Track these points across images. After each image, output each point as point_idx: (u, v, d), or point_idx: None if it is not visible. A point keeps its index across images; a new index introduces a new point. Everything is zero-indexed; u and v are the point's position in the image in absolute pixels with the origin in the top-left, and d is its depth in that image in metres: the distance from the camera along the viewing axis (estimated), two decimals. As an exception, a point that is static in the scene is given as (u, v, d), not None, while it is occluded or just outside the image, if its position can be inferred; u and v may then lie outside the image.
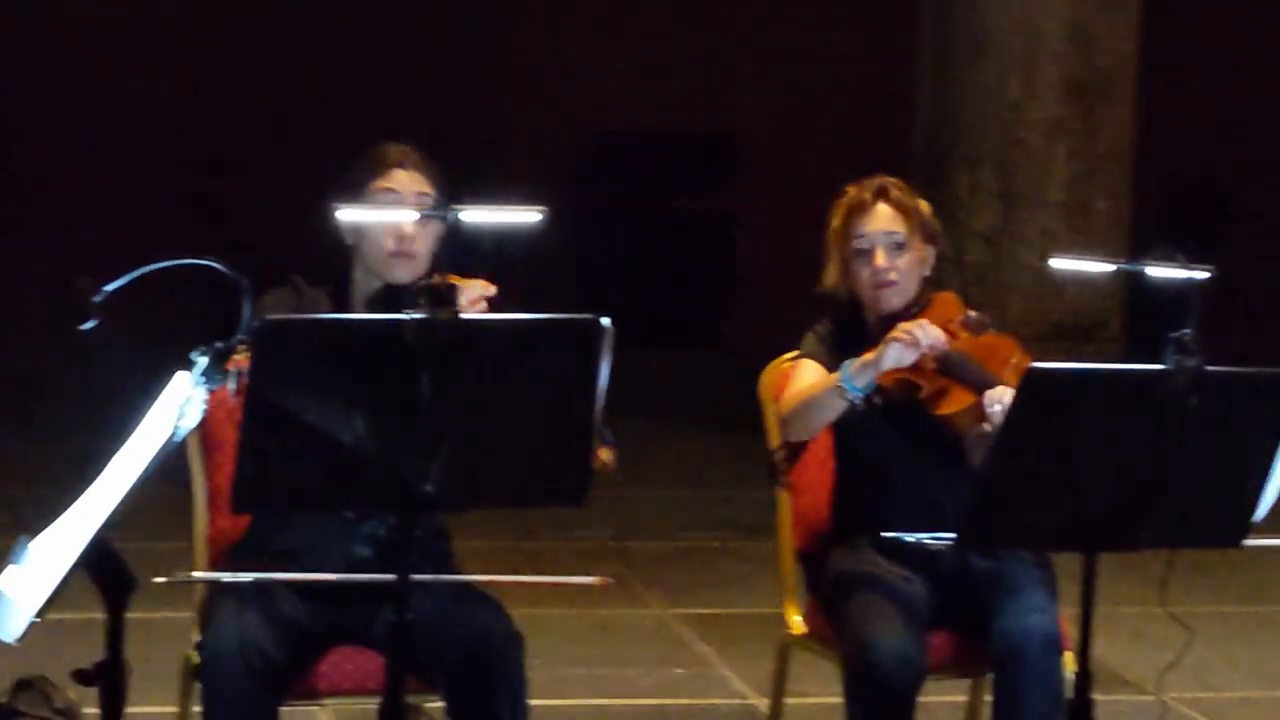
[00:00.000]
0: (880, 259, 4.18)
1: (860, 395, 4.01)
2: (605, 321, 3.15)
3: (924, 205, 4.32)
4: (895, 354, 3.98)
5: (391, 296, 3.87)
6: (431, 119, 12.39)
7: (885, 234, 4.20)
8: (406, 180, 3.94)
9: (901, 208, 4.24)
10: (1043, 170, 9.30)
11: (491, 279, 3.73)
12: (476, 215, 3.26)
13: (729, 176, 13.30)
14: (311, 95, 12.67)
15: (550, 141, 12.92)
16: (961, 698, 4.55)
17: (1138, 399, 3.43)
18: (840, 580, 4.17)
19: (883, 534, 4.11)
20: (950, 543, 3.89)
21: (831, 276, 4.30)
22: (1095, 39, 9.32)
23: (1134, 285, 8.78)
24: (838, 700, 4.06)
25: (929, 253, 4.29)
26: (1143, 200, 9.76)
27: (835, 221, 4.28)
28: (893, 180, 4.31)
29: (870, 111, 12.17)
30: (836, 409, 4.07)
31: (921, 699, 4.00)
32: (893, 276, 4.19)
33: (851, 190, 4.30)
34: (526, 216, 3.37)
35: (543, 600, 6.19)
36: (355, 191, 3.92)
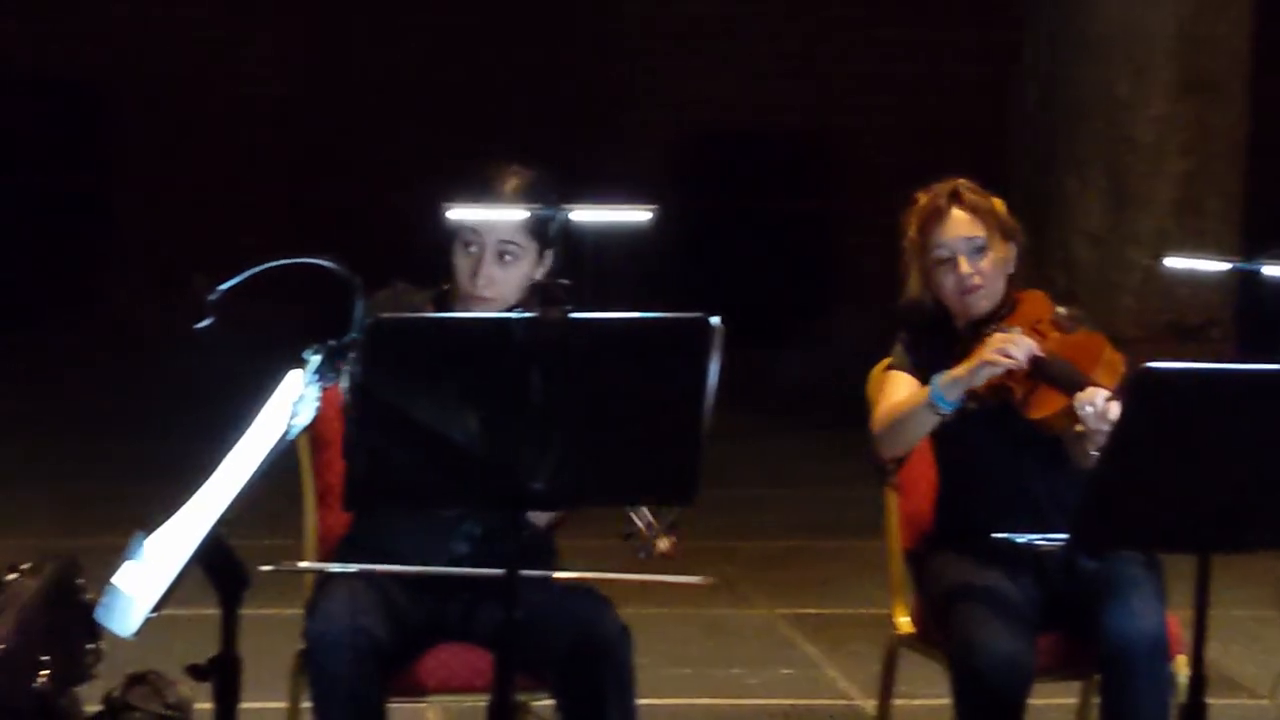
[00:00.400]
0: (964, 266, 4.12)
1: (952, 409, 3.99)
2: (715, 320, 3.15)
3: (998, 203, 4.24)
4: (988, 371, 3.96)
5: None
6: (534, 119, 12.43)
7: (965, 240, 4.14)
8: (489, 222, 3.85)
9: (977, 210, 4.17)
10: (1153, 169, 9.20)
11: (594, 279, 3.73)
12: (587, 214, 3.27)
13: (831, 175, 13.25)
14: (420, 95, 12.73)
15: (651, 141, 12.91)
16: (1071, 700, 4.52)
17: (1251, 398, 3.39)
18: (947, 582, 4.15)
19: (993, 535, 4.08)
20: (1062, 544, 3.86)
21: (914, 287, 4.25)
22: (1206, 37, 9.22)
23: (1244, 285, 8.68)
24: (945, 702, 4.04)
25: (1010, 250, 4.22)
26: (1254, 199, 9.65)
27: (911, 231, 4.22)
28: (964, 182, 4.24)
29: (974, 110, 12.09)
30: (929, 424, 4.06)
31: (1031, 701, 3.97)
32: (977, 281, 4.13)
33: (923, 197, 4.24)
34: (637, 215, 3.37)
35: (649, 599, 6.17)
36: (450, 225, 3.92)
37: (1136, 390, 3.37)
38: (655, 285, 10.93)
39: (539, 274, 3.89)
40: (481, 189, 3.87)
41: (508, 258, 3.85)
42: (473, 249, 3.87)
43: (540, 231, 3.85)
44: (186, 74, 12.63)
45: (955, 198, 4.18)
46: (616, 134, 12.84)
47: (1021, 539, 4.00)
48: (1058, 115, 9.40)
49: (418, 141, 12.29)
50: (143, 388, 10.39)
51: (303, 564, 4.03)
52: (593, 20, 12.95)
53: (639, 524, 3.57)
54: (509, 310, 3.83)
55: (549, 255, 3.88)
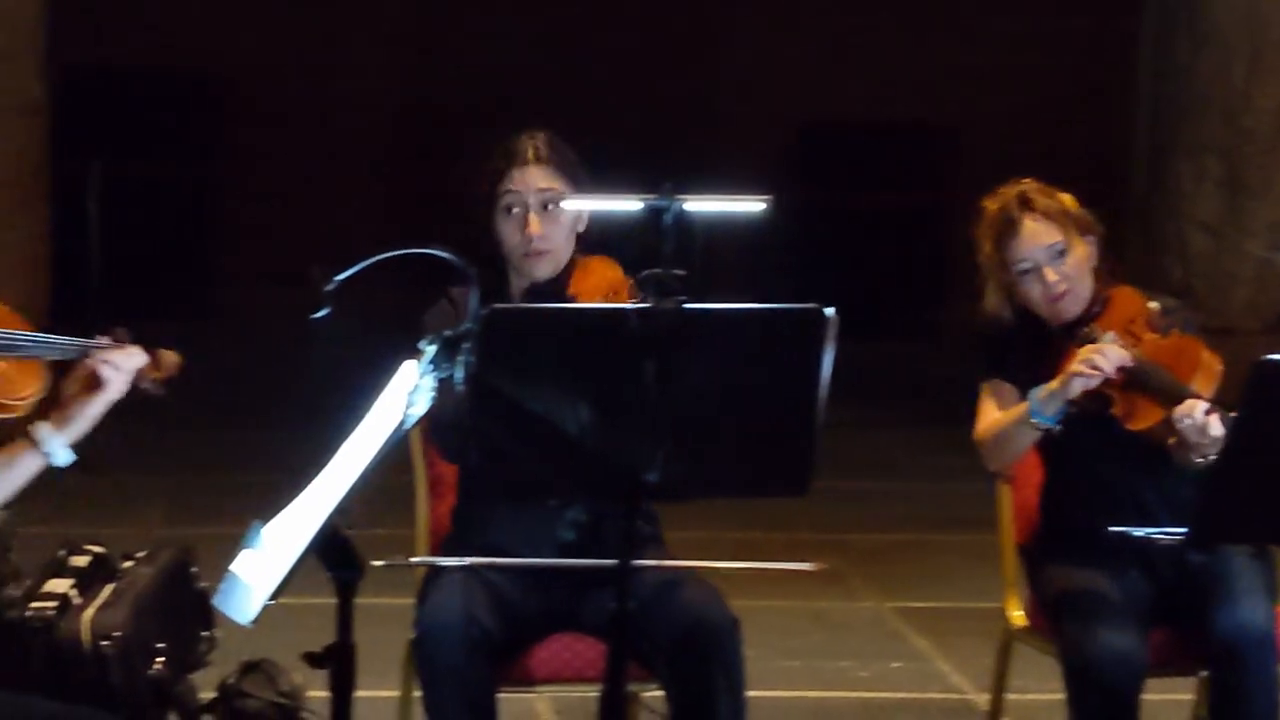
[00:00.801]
0: (1049, 275, 4.06)
1: (1051, 423, 3.95)
2: (829, 311, 3.13)
3: (1067, 199, 4.16)
4: (1080, 384, 3.91)
5: (538, 293, 3.90)
6: (642, 110, 12.43)
7: (1044, 249, 4.07)
8: (533, 177, 3.94)
9: (1049, 214, 4.11)
10: (1270, 159, 9.09)
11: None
12: (701, 205, 3.26)
13: (941, 168, 13.17)
14: (526, 87, 12.76)
15: (761, 133, 12.88)
16: (1187, 696, 4.46)
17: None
18: (1057, 578, 4.12)
19: (1110, 530, 4.03)
20: (1181, 539, 3.81)
21: (992, 301, 4.19)
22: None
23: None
24: (1059, 696, 4.01)
25: (1090, 246, 4.14)
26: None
27: (986, 247, 4.15)
28: (1031, 184, 4.16)
29: (1089, 101, 11.99)
30: (1030, 438, 4.04)
31: (1145, 697, 3.93)
32: (1065, 287, 4.07)
33: (990, 206, 4.18)
34: (751, 206, 3.35)
35: (758, 591, 6.16)
36: (486, 197, 3.98)
37: (1257, 382, 3.32)
38: (764, 278, 10.91)
39: (580, 226, 3.99)
40: (509, 158, 3.96)
41: (550, 207, 3.93)
42: (515, 210, 3.94)
43: (573, 176, 3.95)
44: (295, 64, 12.72)
45: (1025, 205, 4.11)
46: (724, 127, 12.82)
47: (1139, 533, 3.95)
48: (1174, 105, 9.30)
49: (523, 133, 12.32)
50: (254, 377, 10.48)
51: (415, 559, 4.06)
52: (704, 9, 12.93)
53: None
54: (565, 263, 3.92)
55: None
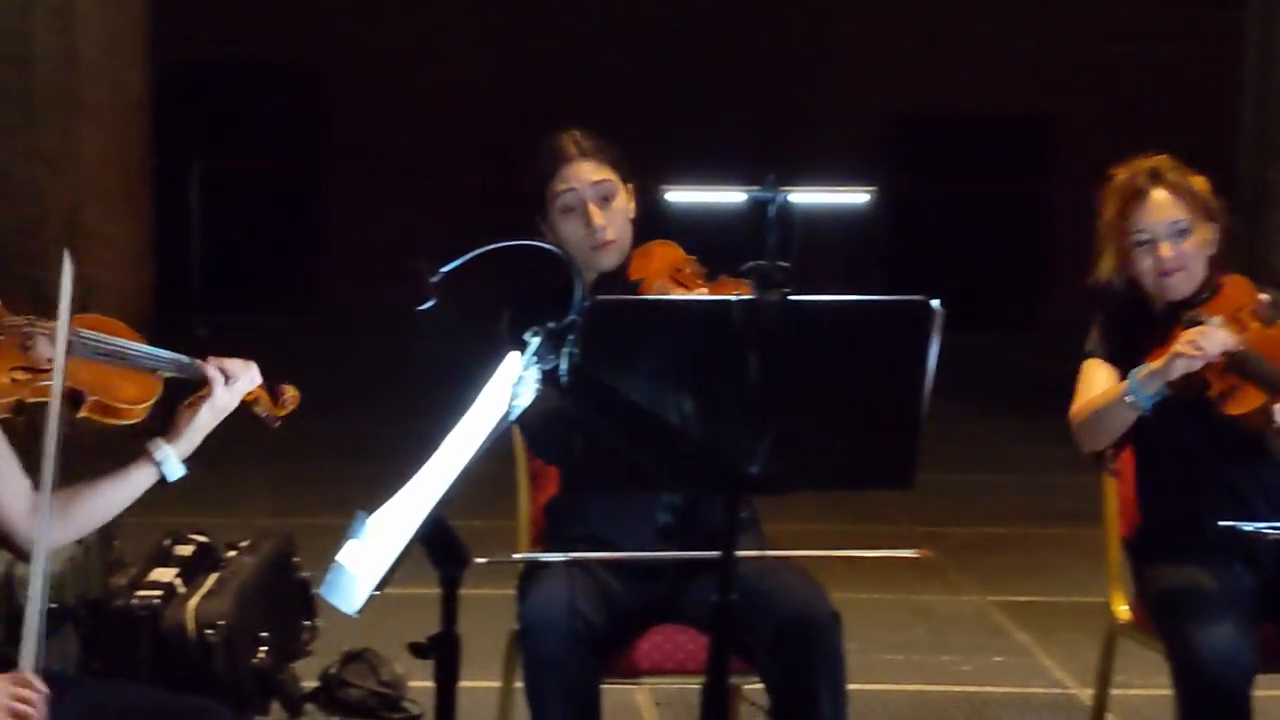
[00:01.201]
0: (1164, 250, 4.01)
1: (1149, 404, 3.90)
2: (935, 303, 3.11)
3: (1200, 182, 4.10)
4: (1183, 365, 3.85)
5: (607, 285, 3.90)
6: (744, 100, 12.41)
7: (1167, 224, 4.02)
8: (584, 171, 3.96)
9: (1179, 190, 4.05)
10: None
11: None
12: (805, 196, 3.24)
13: (1045, 159, 13.08)
14: (625, 79, 12.76)
15: (863, 123, 12.83)
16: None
17: None
18: (1162, 573, 4.06)
19: (1219, 524, 3.98)
20: (1290, 532, 3.76)
21: (1107, 266, 4.14)
22: None
23: None
24: (1164, 692, 3.97)
25: (1212, 232, 4.08)
26: None
27: (1109, 211, 4.10)
28: (1165, 160, 4.10)
29: (1193, 92, 11.87)
30: (1127, 419, 3.97)
31: (1257, 693, 3.88)
32: (1176, 265, 4.02)
33: (1122, 174, 4.12)
34: (855, 197, 3.34)
35: (860, 584, 6.16)
36: (538, 199, 3.98)
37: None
38: (860, 269, 10.87)
39: (632, 212, 4.00)
40: (555, 158, 3.98)
41: (607, 197, 3.95)
42: (574, 206, 3.96)
43: (619, 164, 3.97)
44: (394, 58, 12.79)
45: (1157, 177, 4.07)
46: (822, 117, 12.78)
47: (1249, 528, 3.89)
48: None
49: (625, 127, 12.33)
50: (355, 369, 10.54)
51: (517, 555, 4.06)
52: (805, 2, 12.90)
53: None
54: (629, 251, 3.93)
55: (632, 191, 4.00)
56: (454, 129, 12.86)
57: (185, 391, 3.31)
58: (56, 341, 2.98)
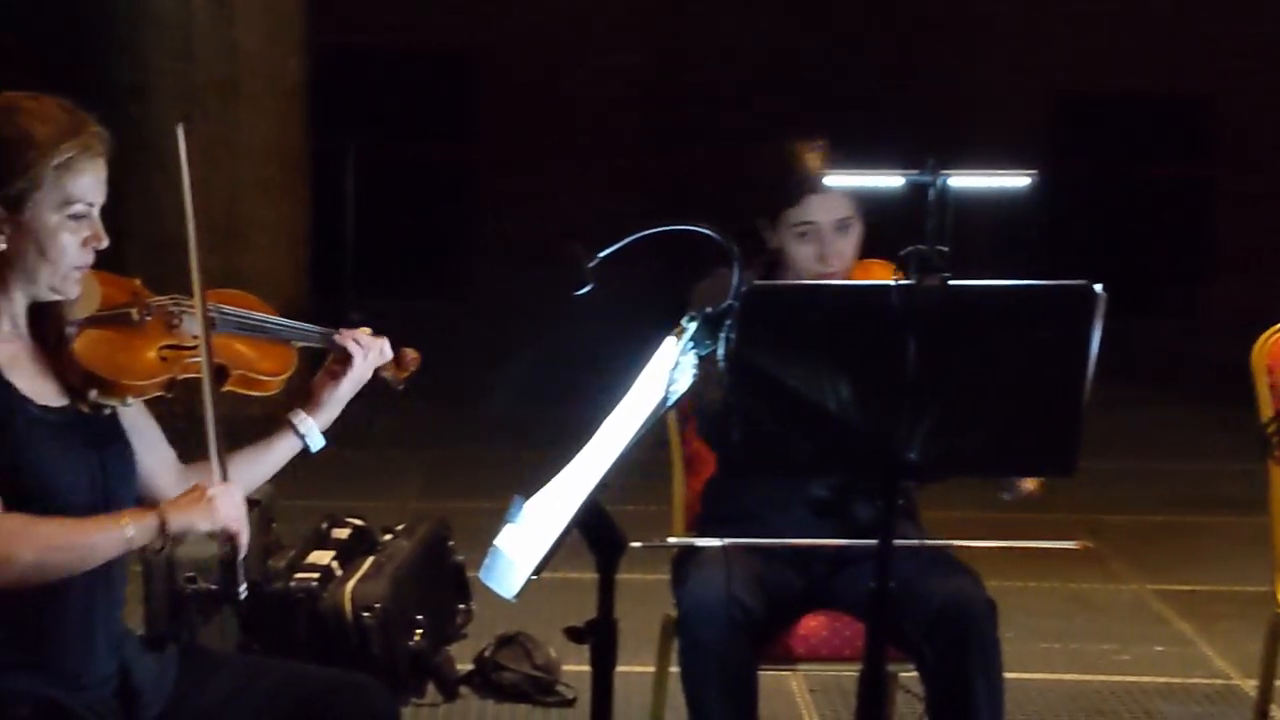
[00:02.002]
0: None
1: None
2: (1098, 288, 3.06)
3: None
4: None
5: None
6: (900, 83, 12.32)
7: None
8: (829, 206, 3.91)
9: None
10: None
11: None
12: (966, 180, 3.20)
13: (1208, 142, 12.87)
14: (777, 61, 12.72)
15: (1022, 106, 12.70)
16: None
17: None
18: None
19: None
20: None
21: None
22: None
23: None
24: (1332, 684, 3.90)
25: None
26: None
27: None
28: None
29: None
30: None
31: None
32: None
33: None
34: (1016, 181, 3.29)
35: (1016, 572, 6.10)
36: (772, 219, 3.94)
37: None
38: (1026, 253, 10.76)
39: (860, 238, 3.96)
40: (800, 184, 3.90)
41: (844, 233, 3.92)
42: (809, 235, 3.92)
43: (860, 200, 3.92)
44: (546, 44, 12.82)
45: None
46: (987, 99, 12.66)
47: None
48: None
49: (775, 109, 12.28)
50: (506, 353, 10.59)
51: (673, 540, 4.06)
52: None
53: None
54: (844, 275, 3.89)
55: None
56: (605, 113, 12.88)
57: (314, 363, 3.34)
58: (190, 253, 3.01)
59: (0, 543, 2.76)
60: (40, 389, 2.95)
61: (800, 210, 3.92)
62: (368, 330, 3.32)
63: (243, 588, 3.04)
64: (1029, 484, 3.57)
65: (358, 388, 3.29)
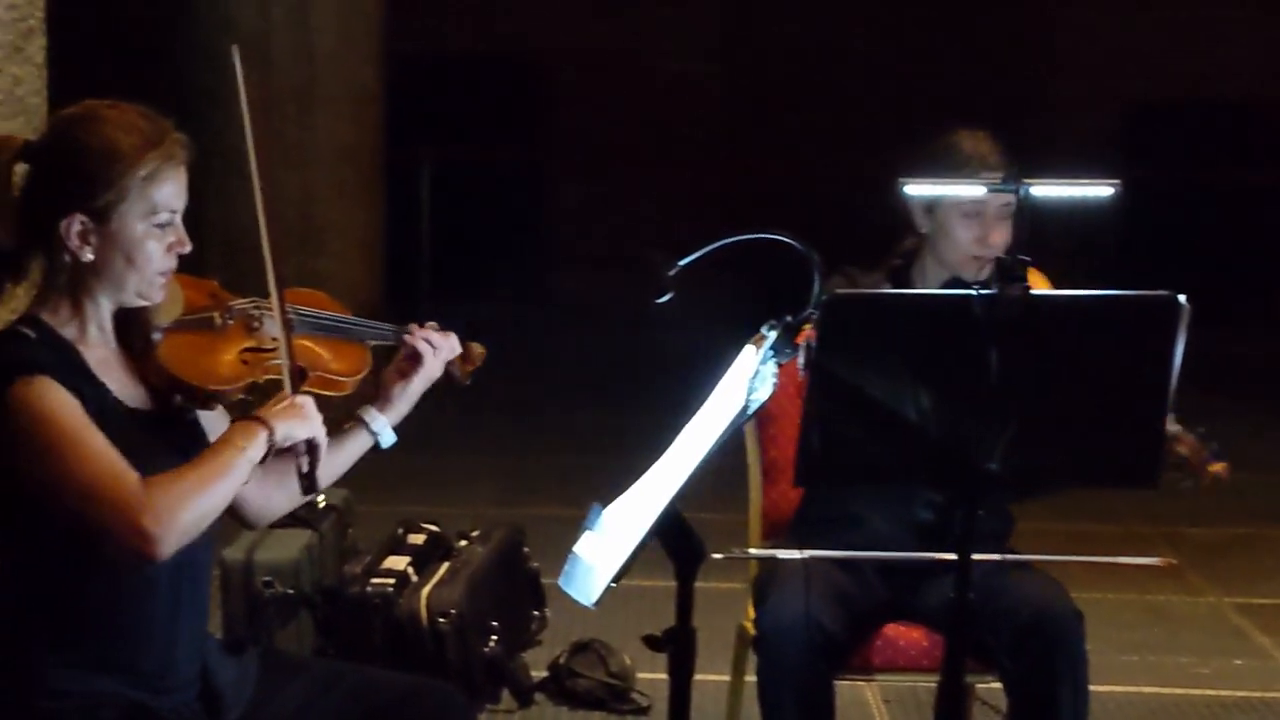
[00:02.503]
0: None
1: None
2: (1182, 299, 3.04)
3: None
4: None
5: (960, 287, 3.83)
6: (970, 89, 12.27)
7: None
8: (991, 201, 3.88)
9: None
10: None
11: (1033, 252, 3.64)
12: (1048, 190, 3.18)
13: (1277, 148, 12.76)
14: (852, 70, 12.69)
15: (1093, 112, 12.62)
16: None
17: None
18: None
19: None
20: None
21: None
22: None
23: None
24: None
25: None
26: None
27: None
28: None
29: None
30: None
31: None
32: None
33: None
34: (1099, 190, 3.26)
35: (1094, 584, 6.05)
36: (935, 200, 3.89)
37: None
38: (1102, 260, 10.70)
39: None
40: (972, 160, 3.86)
41: (1004, 222, 3.87)
42: (976, 217, 3.87)
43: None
44: (619, 50, 12.83)
45: None
46: (1058, 105, 12.59)
47: None
48: None
49: (856, 120, 12.26)
50: (582, 360, 10.60)
51: (754, 550, 4.04)
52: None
53: (1184, 451, 3.49)
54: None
55: None
56: (678, 119, 12.87)
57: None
58: (257, 203, 3.03)
59: (164, 513, 2.75)
60: (128, 392, 2.98)
61: (928, 191, 3.88)
62: (435, 326, 3.33)
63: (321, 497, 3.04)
64: (1216, 467, 3.53)
65: (428, 384, 3.29)
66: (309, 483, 2.99)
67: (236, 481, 2.86)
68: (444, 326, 3.34)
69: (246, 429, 2.88)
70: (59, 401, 2.81)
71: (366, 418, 3.24)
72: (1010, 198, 3.80)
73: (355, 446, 3.25)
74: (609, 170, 12.78)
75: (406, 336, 3.27)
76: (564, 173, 12.96)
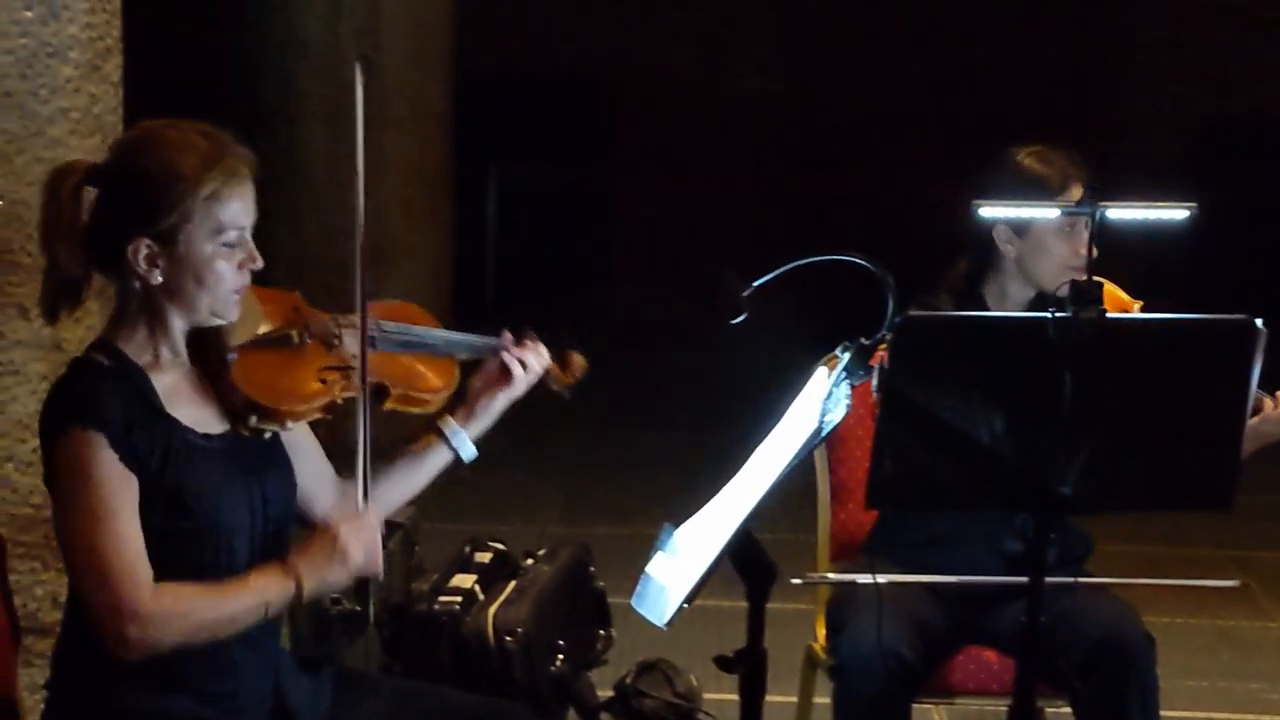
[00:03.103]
0: None
1: None
2: (1259, 323, 3.02)
3: None
4: None
5: (1045, 304, 3.81)
6: (1045, 108, 12.22)
7: None
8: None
9: None
10: None
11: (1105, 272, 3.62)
12: (1123, 212, 3.17)
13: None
14: (922, 88, 12.65)
15: (1171, 130, 12.55)
16: None
17: None
18: None
19: None
20: None
21: None
22: None
23: None
24: None
25: None
26: None
27: None
28: None
29: None
30: None
31: None
32: None
33: None
34: (1175, 213, 3.25)
35: (1163, 608, 6.01)
36: (1025, 222, 3.87)
37: None
38: (1175, 283, 10.63)
39: None
40: (1061, 178, 3.85)
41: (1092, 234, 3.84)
42: (1070, 230, 3.83)
43: None
44: (687, 69, 12.83)
45: None
46: (1135, 124, 12.52)
47: None
48: None
49: (928, 141, 12.23)
50: (646, 380, 10.59)
51: (830, 575, 4.03)
52: (1115, 4, 12.63)
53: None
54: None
55: None
56: (746, 138, 12.86)
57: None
58: (355, 222, 3.01)
59: (152, 629, 2.78)
60: (200, 417, 2.96)
61: (1064, 198, 3.82)
62: (533, 337, 3.30)
63: (371, 612, 3.05)
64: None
65: (512, 401, 3.27)
66: (360, 600, 2.99)
67: (243, 624, 2.86)
68: (543, 336, 3.32)
69: (276, 578, 2.88)
70: (107, 470, 2.81)
71: (447, 430, 3.22)
72: None
73: (434, 462, 3.23)
74: (676, 189, 12.78)
75: (503, 355, 3.25)
76: (632, 191, 12.97)
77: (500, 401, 3.25)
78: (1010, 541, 3.77)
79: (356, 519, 2.93)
